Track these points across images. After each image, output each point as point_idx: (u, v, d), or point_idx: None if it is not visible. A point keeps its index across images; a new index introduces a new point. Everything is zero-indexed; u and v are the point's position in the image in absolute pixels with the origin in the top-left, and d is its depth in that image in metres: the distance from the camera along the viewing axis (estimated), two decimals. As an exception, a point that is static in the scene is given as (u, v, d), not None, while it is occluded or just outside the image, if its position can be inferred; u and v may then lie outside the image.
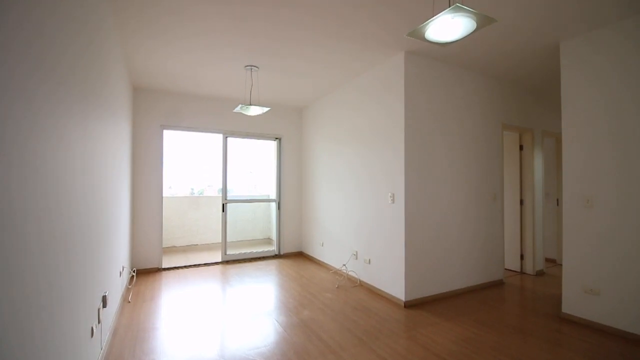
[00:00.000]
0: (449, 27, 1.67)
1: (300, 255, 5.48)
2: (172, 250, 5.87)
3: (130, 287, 3.75)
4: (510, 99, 4.16)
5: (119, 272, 3.13)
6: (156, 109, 4.53)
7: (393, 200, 3.31)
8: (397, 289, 3.25)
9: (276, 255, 5.43)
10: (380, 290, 3.51)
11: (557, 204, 5.07)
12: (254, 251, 5.34)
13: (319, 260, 4.91)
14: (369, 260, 3.70)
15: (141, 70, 3.71)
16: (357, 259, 3.94)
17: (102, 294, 2.27)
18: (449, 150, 3.52)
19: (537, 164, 4.52)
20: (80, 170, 1.66)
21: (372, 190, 3.67)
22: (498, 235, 3.99)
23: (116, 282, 2.94)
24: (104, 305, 2.27)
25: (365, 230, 3.79)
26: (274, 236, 5.86)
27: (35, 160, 1.08)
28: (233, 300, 3.36)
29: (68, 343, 1.48)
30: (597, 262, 2.71)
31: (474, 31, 1.71)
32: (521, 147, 4.55)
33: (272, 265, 4.86)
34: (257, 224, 6.79)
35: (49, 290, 1.23)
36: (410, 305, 3.17)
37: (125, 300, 3.32)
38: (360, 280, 3.86)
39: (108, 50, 2.41)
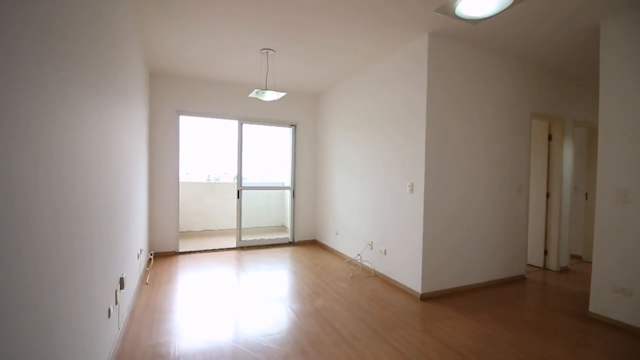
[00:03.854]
0: (482, 1, 1.53)
1: (314, 244, 5.46)
2: (189, 234, 5.96)
3: (147, 269, 3.82)
4: (540, 86, 3.91)
5: (137, 255, 3.19)
6: (172, 94, 4.52)
7: (412, 190, 3.20)
8: (414, 281, 3.17)
9: (290, 242, 5.43)
10: (395, 281, 3.44)
11: (586, 198, 4.82)
12: (268, 238, 5.36)
13: (333, 249, 4.87)
14: (385, 250, 3.62)
15: (157, 53, 3.68)
16: (372, 249, 3.87)
17: (120, 275, 2.30)
18: (472, 139, 3.36)
19: (567, 155, 4.27)
20: (96, 153, 1.64)
21: (390, 179, 3.56)
22: (522, 229, 3.82)
23: (134, 264, 2.99)
24: (122, 287, 2.30)
25: (382, 220, 3.70)
26: (288, 224, 5.86)
27: (49, 144, 1.05)
28: (247, 286, 3.37)
29: (85, 324, 1.49)
30: (631, 260, 2.54)
31: (510, 6, 1.56)
32: (550, 137, 4.30)
33: (286, 252, 4.86)
34: (272, 211, 6.81)
35: (64, 274, 1.22)
36: (426, 297, 3.09)
37: (143, 282, 3.39)
38: (375, 271, 3.79)
39: (124, 35, 2.37)
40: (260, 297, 3.08)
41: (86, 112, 1.47)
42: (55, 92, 1.12)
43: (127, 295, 2.61)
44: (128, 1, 2.49)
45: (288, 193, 5.74)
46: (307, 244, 5.45)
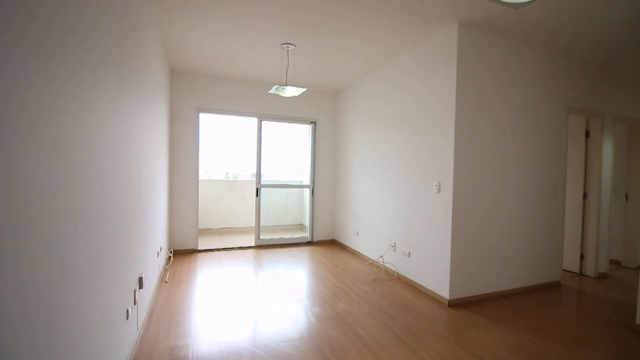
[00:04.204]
0: (533, -21, 1.35)
1: (333, 243, 5.34)
2: (208, 232, 5.98)
3: (167, 267, 3.82)
4: (578, 78, 3.63)
5: (157, 253, 3.17)
6: (192, 91, 4.50)
7: (439, 190, 3.02)
8: (441, 286, 3.00)
9: (309, 242, 5.33)
10: (420, 285, 3.27)
11: (626, 199, 4.47)
12: (287, 237, 5.28)
13: (353, 250, 4.74)
14: (409, 253, 3.46)
15: (177, 50, 3.64)
16: (395, 250, 3.71)
17: (139, 275, 2.26)
18: (504, 135, 3.14)
19: (606, 153, 3.96)
20: (113, 148, 1.58)
21: (415, 178, 3.39)
22: (557, 231, 3.56)
23: (153, 263, 2.97)
24: (141, 287, 2.26)
25: (406, 220, 3.54)
26: (306, 222, 5.76)
27: (60, 138, 0.98)
28: (266, 286, 3.29)
29: (101, 326, 1.43)
30: (689, 269, 2.28)
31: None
32: (587, 134, 4.00)
33: (304, 252, 4.77)
34: (290, 209, 6.74)
35: (80, 275, 1.15)
36: (454, 304, 2.91)
37: (162, 280, 3.37)
38: (398, 274, 3.64)
39: (144, 26, 2.32)
40: (279, 298, 2.99)
41: (102, 104, 1.40)
42: (68, 81, 1.04)
43: (146, 295, 2.58)
44: (147, -5, 2.44)
45: (307, 191, 5.64)
46: (326, 243, 5.34)
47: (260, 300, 2.94)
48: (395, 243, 3.71)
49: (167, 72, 4.03)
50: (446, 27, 2.93)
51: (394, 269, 3.70)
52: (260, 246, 4.98)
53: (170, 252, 4.25)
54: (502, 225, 3.16)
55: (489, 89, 3.03)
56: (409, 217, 3.47)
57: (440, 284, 3.00)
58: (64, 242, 1.04)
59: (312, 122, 5.31)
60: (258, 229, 5.00)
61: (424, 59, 3.26)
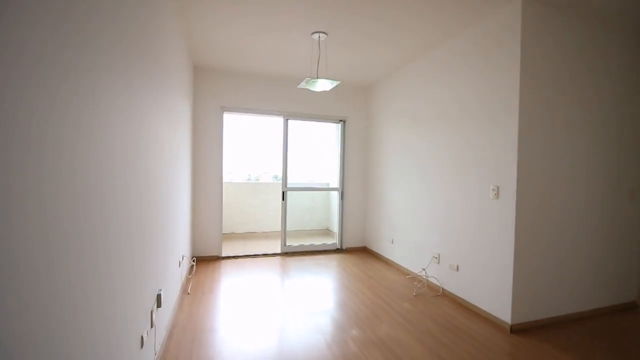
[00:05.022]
0: None
1: (364, 251, 4.95)
2: (231, 236, 5.75)
3: (190, 277, 3.58)
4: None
5: (179, 262, 2.92)
6: (216, 90, 4.28)
7: (497, 195, 2.60)
8: (500, 307, 2.56)
9: (338, 249, 4.98)
10: (473, 305, 2.85)
11: None
12: (314, 244, 4.94)
13: (388, 259, 4.34)
14: (457, 266, 3.04)
15: (201, 45, 3.41)
16: (439, 263, 3.29)
17: (157, 292, 1.99)
18: (575, 130, 2.67)
19: (690, 151, 3.37)
20: (125, 147, 1.30)
21: (465, 180, 2.97)
22: (633, 244, 3.03)
23: (175, 274, 2.72)
24: (159, 305, 2.00)
25: (452, 229, 3.12)
26: (334, 228, 5.42)
27: (60, 137, 0.69)
28: (296, 302, 2.97)
29: (107, 369, 1.15)
30: None
31: None
32: (666, 129, 3.42)
33: (334, 260, 4.42)
34: (315, 213, 6.41)
35: (81, 306, 0.87)
36: (518, 329, 2.47)
37: (184, 292, 3.13)
38: (443, 289, 3.22)
39: (163, 20, 2.07)
40: (312, 317, 2.66)
41: (112, 94, 1.12)
42: (70, 67, 0.75)
43: (166, 313, 2.31)
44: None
45: (333, 194, 5.29)
46: (356, 251, 4.96)
47: (292, 319, 2.62)
48: (439, 254, 3.30)
49: (190, 69, 3.81)
50: (505, 5, 2.51)
51: (438, 284, 3.28)
52: (287, 253, 4.68)
53: (193, 261, 4.02)
54: (572, 236, 2.69)
55: (557, 77, 2.57)
56: (457, 225, 3.05)
57: (499, 304, 2.57)
58: (65, 273, 0.75)
59: (341, 121, 4.97)
60: (284, 235, 4.70)
61: (478, 45, 2.84)
